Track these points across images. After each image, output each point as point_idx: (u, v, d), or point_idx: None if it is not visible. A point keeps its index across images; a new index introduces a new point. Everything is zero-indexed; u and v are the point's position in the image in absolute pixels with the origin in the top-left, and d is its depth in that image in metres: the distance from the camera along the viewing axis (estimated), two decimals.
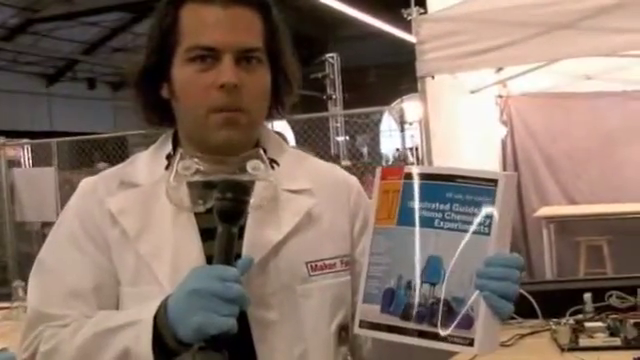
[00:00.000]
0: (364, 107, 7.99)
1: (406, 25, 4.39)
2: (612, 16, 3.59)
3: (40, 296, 1.22)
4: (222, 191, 1.09)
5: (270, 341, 1.17)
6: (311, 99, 12.39)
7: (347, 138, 12.75)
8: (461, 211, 1.07)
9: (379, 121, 14.96)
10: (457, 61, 4.07)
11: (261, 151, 1.23)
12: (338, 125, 12.43)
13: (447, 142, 4.79)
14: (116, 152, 7.35)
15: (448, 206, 1.08)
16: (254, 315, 1.16)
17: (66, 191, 6.36)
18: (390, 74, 14.93)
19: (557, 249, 6.16)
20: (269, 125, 1.39)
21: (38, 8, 12.99)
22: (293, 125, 9.24)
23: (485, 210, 1.05)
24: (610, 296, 2.87)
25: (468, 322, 1.04)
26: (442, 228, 1.08)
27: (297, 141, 8.66)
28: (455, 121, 5.18)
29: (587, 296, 2.85)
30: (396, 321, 1.08)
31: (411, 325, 1.07)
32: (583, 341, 2.61)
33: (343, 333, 1.25)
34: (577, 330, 2.69)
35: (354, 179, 1.37)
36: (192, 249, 1.18)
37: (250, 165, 1.20)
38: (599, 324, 2.70)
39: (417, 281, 1.07)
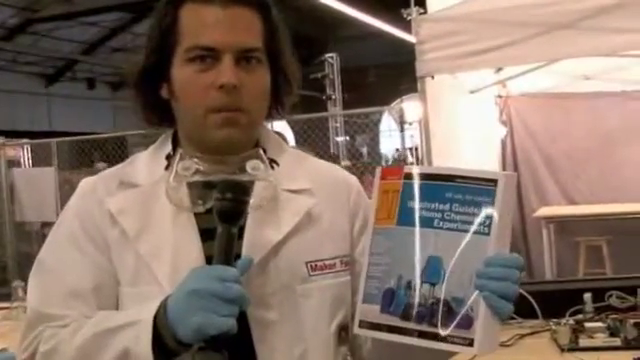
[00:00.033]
0: (364, 107, 8.00)
1: (406, 25, 4.39)
2: (612, 16, 3.59)
3: (40, 296, 1.22)
4: (222, 191, 1.09)
5: (270, 341, 1.17)
6: (311, 99, 12.39)
7: (347, 138, 12.75)
8: (461, 211, 1.07)
9: (379, 121, 14.98)
10: (457, 61, 4.07)
11: (261, 151, 1.23)
12: (338, 125, 12.42)
13: (447, 142, 4.79)
14: (116, 152, 7.35)
15: (448, 206, 1.08)
16: (254, 315, 1.16)
17: (66, 191, 6.36)
18: (390, 74, 14.93)
19: (557, 249, 6.16)
20: (269, 125, 1.39)
21: (37, 8, 12.99)
22: (293, 125, 9.25)
23: (485, 210, 1.05)
24: (610, 296, 2.87)
25: (468, 322, 1.04)
26: (442, 228, 1.07)
27: (297, 141, 8.66)
28: (455, 121, 5.18)
29: (587, 296, 2.85)
30: (396, 321, 1.08)
31: (411, 325, 1.07)
32: (583, 341, 2.60)
33: (343, 333, 1.25)
34: (577, 330, 2.69)
35: (354, 179, 1.37)
36: (192, 249, 1.18)
37: (250, 165, 1.20)
38: (599, 324, 2.70)
39: (417, 281, 1.07)
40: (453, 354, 1.08)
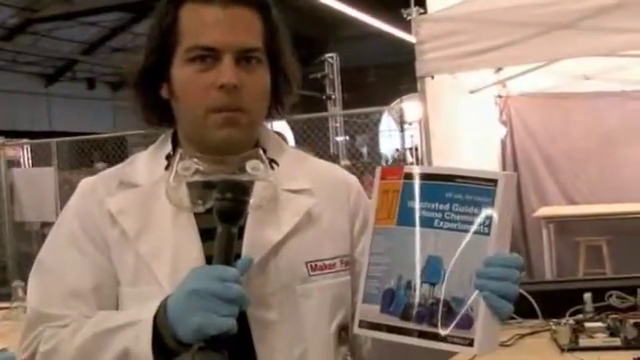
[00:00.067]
0: (364, 107, 8.00)
1: (406, 25, 4.39)
2: (611, 16, 3.59)
3: (40, 296, 1.22)
4: (222, 191, 1.09)
5: (270, 341, 1.17)
6: (310, 99, 12.39)
7: (347, 138, 12.75)
8: (461, 211, 1.07)
9: (378, 121, 14.97)
10: (457, 61, 4.07)
11: (261, 151, 1.23)
12: (337, 125, 12.43)
13: (447, 142, 4.79)
14: (115, 152, 7.35)
15: (448, 206, 1.08)
16: (254, 315, 1.16)
17: (66, 191, 6.36)
18: (390, 74, 14.93)
19: (557, 249, 6.16)
20: (268, 125, 1.39)
21: (37, 8, 12.98)
22: (292, 125, 9.25)
23: (485, 210, 1.05)
24: (610, 296, 2.87)
25: (468, 322, 1.04)
26: (442, 228, 1.07)
27: (296, 141, 8.66)
28: (455, 121, 5.18)
29: (587, 296, 2.85)
30: (396, 321, 1.08)
31: (411, 325, 1.07)
32: (583, 341, 2.60)
33: (343, 333, 1.25)
34: (577, 330, 2.69)
35: (354, 178, 1.37)
36: (192, 249, 1.18)
37: (250, 165, 1.20)
38: (599, 324, 2.70)
39: (417, 281, 1.07)
40: (453, 354, 1.08)
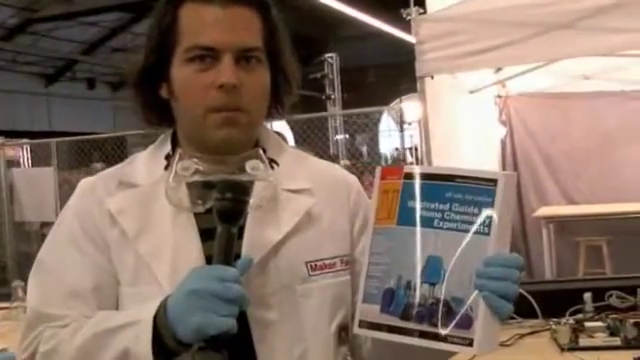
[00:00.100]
0: (363, 107, 8.00)
1: (405, 25, 4.39)
2: (610, 16, 3.59)
3: (40, 296, 1.22)
4: (221, 191, 1.09)
5: (270, 341, 1.17)
6: (310, 99, 12.38)
7: (347, 136, 12.74)
8: (461, 211, 1.07)
9: (378, 121, 14.96)
10: (456, 61, 4.07)
11: (260, 151, 1.23)
12: (337, 125, 12.42)
13: (446, 142, 4.79)
14: (115, 152, 7.35)
15: (448, 206, 1.08)
16: (254, 315, 1.16)
17: (65, 191, 6.36)
18: (389, 74, 14.92)
19: (556, 249, 6.16)
20: (268, 125, 1.39)
21: (37, 8, 12.98)
22: (292, 125, 9.25)
23: (485, 210, 1.05)
24: (610, 296, 2.87)
25: (467, 322, 1.04)
26: (442, 228, 1.07)
27: (296, 141, 8.67)
28: (454, 121, 5.18)
29: (587, 296, 2.85)
30: (396, 321, 1.08)
31: (411, 325, 1.07)
32: (583, 341, 2.61)
33: (343, 333, 1.25)
34: (577, 330, 2.69)
35: (354, 178, 1.37)
36: (192, 249, 1.18)
37: (249, 165, 1.20)
38: (599, 324, 2.70)
39: (417, 281, 1.07)
40: (453, 354, 1.08)
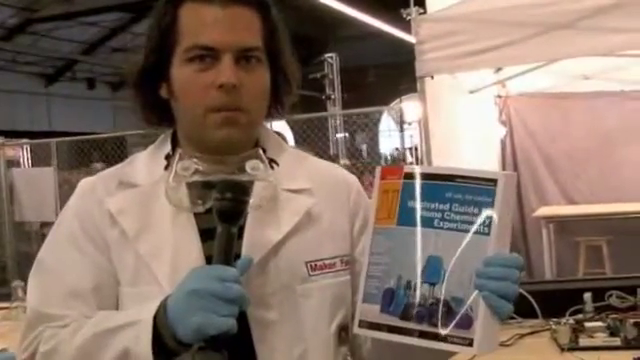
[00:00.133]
0: (363, 107, 8.00)
1: (405, 25, 4.39)
2: (610, 16, 3.59)
3: (40, 296, 1.22)
4: (221, 191, 1.09)
5: (270, 341, 1.17)
6: (310, 99, 12.38)
7: (346, 135, 12.74)
8: (461, 211, 1.07)
9: (378, 121, 14.97)
10: (456, 61, 4.07)
11: (260, 151, 1.23)
12: (337, 125, 12.41)
13: (446, 142, 4.79)
14: (115, 152, 7.35)
15: (448, 206, 1.08)
16: (254, 315, 1.16)
17: (65, 191, 6.36)
18: (389, 74, 14.93)
19: (556, 249, 6.16)
20: (268, 125, 1.39)
21: (37, 8, 12.98)
22: (292, 125, 9.25)
23: (485, 210, 1.05)
24: (610, 296, 2.87)
25: (467, 322, 1.04)
26: (442, 228, 1.07)
27: (296, 141, 8.67)
28: (454, 121, 5.18)
29: (587, 296, 2.85)
30: (395, 321, 1.08)
31: (410, 325, 1.07)
32: (583, 341, 2.61)
33: (343, 333, 1.25)
34: (577, 330, 2.69)
35: (354, 178, 1.37)
36: (192, 249, 1.18)
37: (249, 165, 1.20)
38: (599, 324, 2.70)
39: (417, 281, 1.07)
40: (453, 354, 1.08)
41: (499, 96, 6.45)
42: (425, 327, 1.06)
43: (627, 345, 2.56)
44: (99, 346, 1.11)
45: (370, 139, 13.71)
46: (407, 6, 4.25)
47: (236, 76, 1.17)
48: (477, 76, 5.43)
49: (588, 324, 2.71)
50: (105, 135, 7.69)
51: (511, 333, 2.74)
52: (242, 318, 1.07)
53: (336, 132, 12.22)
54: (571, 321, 2.78)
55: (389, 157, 13.92)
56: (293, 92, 1.30)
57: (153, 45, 1.22)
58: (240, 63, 1.18)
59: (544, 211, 6.27)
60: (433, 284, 1.06)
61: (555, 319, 2.82)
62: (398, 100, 10.72)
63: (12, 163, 7.53)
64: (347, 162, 9.07)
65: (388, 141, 15.35)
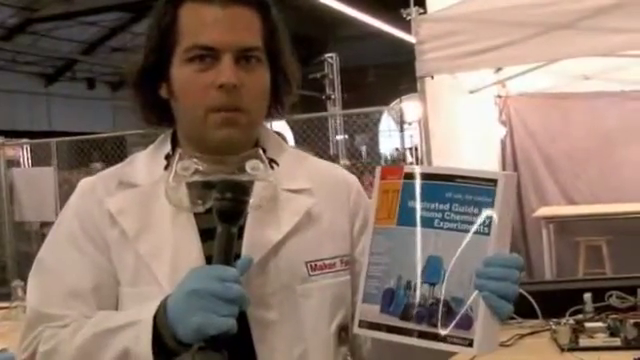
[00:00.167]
0: (363, 107, 8.00)
1: (405, 25, 4.39)
2: (610, 16, 3.59)
3: (39, 296, 1.22)
4: (221, 191, 1.09)
5: (270, 341, 1.17)
6: (310, 99, 12.38)
7: (346, 137, 12.74)
8: (461, 211, 1.07)
9: (378, 121, 14.96)
10: (456, 61, 4.07)
11: (260, 151, 1.23)
12: (337, 125, 12.42)
13: (446, 142, 4.79)
14: (115, 152, 7.36)
15: (448, 206, 1.08)
16: (254, 315, 1.16)
17: (65, 191, 6.37)
18: (389, 74, 14.93)
19: (556, 249, 6.16)
20: (268, 125, 1.39)
21: (37, 8, 12.98)
22: (292, 125, 9.24)
23: (485, 210, 1.05)
24: (610, 296, 2.87)
25: (467, 322, 1.04)
26: (442, 228, 1.07)
27: (296, 141, 8.67)
28: (454, 121, 5.18)
29: (587, 296, 2.85)
30: (395, 321, 1.08)
31: (410, 325, 1.07)
32: (583, 341, 2.60)
33: (343, 333, 1.25)
34: (577, 330, 2.69)
35: (354, 178, 1.37)
36: (192, 249, 1.18)
37: (249, 165, 1.20)
38: (599, 324, 2.70)
39: (417, 281, 1.07)
40: (453, 354, 1.08)
41: (499, 96, 6.45)
42: (425, 327, 1.06)
43: (627, 345, 2.56)
44: (99, 346, 1.11)
45: (370, 139, 13.71)
46: (407, 6, 4.25)
47: (236, 76, 1.17)
48: (477, 76, 5.43)
49: (588, 324, 2.71)
50: (105, 135, 7.70)
51: (511, 333, 2.73)
52: (242, 318, 1.07)
53: (336, 133, 12.22)
54: (571, 321, 2.78)
55: (389, 157, 13.92)
56: (293, 92, 1.30)
57: (153, 45, 1.22)
58: (240, 63, 1.18)
59: (544, 211, 6.27)
60: (433, 284, 1.06)
61: (555, 319, 2.82)
62: (398, 100, 10.71)
63: (12, 163, 7.54)
64: (347, 162, 9.07)
65: (388, 141, 15.34)
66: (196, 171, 1.19)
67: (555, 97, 6.44)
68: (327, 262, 1.23)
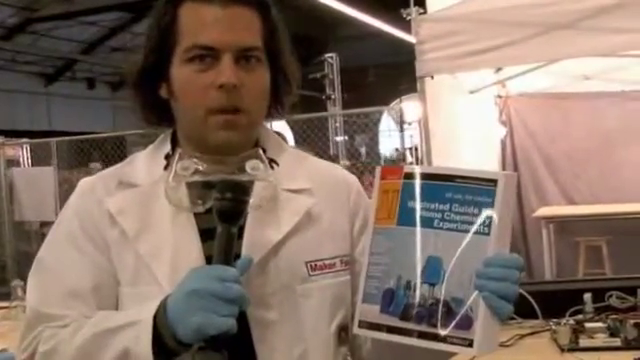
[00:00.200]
0: (363, 107, 8.00)
1: (405, 25, 4.39)
2: (611, 16, 3.59)
3: (39, 296, 1.22)
4: (221, 191, 1.09)
5: (270, 341, 1.17)
6: (310, 99, 12.38)
7: (346, 138, 12.75)
8: (461, 211, 1.07)
9: (378, 121, 14.96)
10: (456, 61, 4.07)
11: (260, 151, 1.23)
12: (337, 125, 12.42)
13: (446, 142, 4.79)
14: (115, 152, 7.37)
15: (448, 206, 1.08)
16: (254, 315, 1.16)
17: (65, 190, 6.37)
18: (389, 74, 14.92)
19: (556, 249, 6.16)
20: (268, 125, 1.39)
21: (37, 7, 12.98)
22: (292, 125, 9.25)
23: (485, 210, 1.05)
24: (610, 296, 2.87)
25: (467, 323, 1.03)
26: (442, 228, 1.07)
27: (296, 141, 8.67)
28: (454, 121, 5.19)
29: (587, 296, 2.85)
30: (395, 321, 1.08)
31: (410, 325, 1.07)
32: (583, 341, 2.60)
33: (343, 333, 1.25)
34: (577, 330, 2.68)
35: (354, 178, 1.37)
36: (191, 249, 1.18)
37: (249, 165, 1.20)
38: (599, 324, 2.70)
39: (417, 281, 1.07)
40: (453, 354, 1.08)
41: (499, 96, 6.45)
42: (425, 328, 1.06)
43: (627, 346, 2.55)
44: (99, 346, 1.11)
45: (370, 139, 13.71)
46: (407, 6, 4.25)
47: (236, 76, 1.17)
48: (477, 76, 5.43)
49: (588, 325, 2.71)
50: (105, 135, 7.71)
51: (511, 334, 2.73)
52: (242, 318, 1.07)
53: (336, 135, 12.22)
54: (571, 322, 2.78)
55: (389, 158, 13.92)
56: (293, 92, 1.30)
57: (153, 45, 1.22)
58: (240, 63, 1.18)
59: (544, 211, 6.27)
60: (433, 284, 1.06)
61: (555, 320, 2.81)
62: (398, 100, 10.72)
63: (12, 163, 7.55)
64: (347, 163, 9.07)
65: (388, 141, 15.34)
66: (196, 171, 1.19)
67: (555, 97, 6.44)
68: (327, 262, 1.23)
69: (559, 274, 6.01)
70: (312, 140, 7.94)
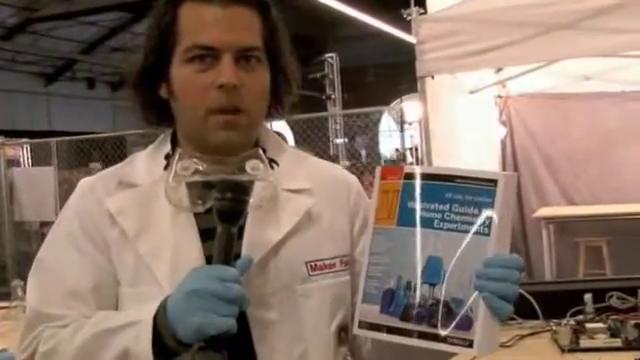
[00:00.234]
0: (363, 107, 8.01)
1: (405, 25, 4.39)
2: (611, 16, 3.59)
3: (39, 296, 1.22)
4: (221, 191, 1.09)
5: (270, 341, 1.17)
6: (310, 99, 12.38)
7: (346, 140, 12.75)
8: (461, 211, 1.06)
9: (378, 121, 14.97)
10: (457, 61, 4.07)
11: (260, 151, 1.23)
12: (337, 125, 12.42)
13: (446, 142, 4.79)
14: (114, 152, 7.37)
15: (448, 206, 1.08)
16: (254, 315, 1.15)
17: (65, 190, 6.38)
18: (389, 74, 14.93)
19: (556, 250, 6.16)
20: (268, 125, 1.39)
21: (37, 7, 12.98)
22: (292, 125, 9.25)
23: (485, 210, 1.05)
24: (610, 297, 2.87)
25: (467, 323, 1.03)
26: (442, 229, 1.07)
27: (296, 141, 8.67)
28: (454, 121, 5.19)
29: (587, 297, 2.85)
30: (395, 322, 1.08)
31: (410, 326, 1.07)
32: (584, 342, 2.60)
33: (343, 333, 1.25)
34: (578, 331, 2.68)
35: (354, 178, 1.37)
36: (191, 249, 1.18)
37: (249, 165, 1.20)
38: (600, 325, 2.70)
39: (417, 282, 1.07)
40: (453, 355, 1.08)
41: (499, 96, 6.45)
42: (425, 328, 1.06)
43: (628, 346, 2.55)
44: (99, 346, 1.11)
45: (370, 139, 13.72)
46: (407, 6, 4.25)
47: (236, 76, 1.16)
48: (477, 76, 5.43)
49: (589, 325, 2.70)
50: (105, 135, 7.71)
51: (511, 334, 2.73)
52: (242, 318, 1.07)
53: (336, 135, 12.22)
54: (572, 322, 2.78)
55: (389, 158, 13.92)
56: (293, 92, 1.30)
57: (153, 45, 1.22)
58: (240, 63, 1.18)
59: (544, 212, 6.27)
60: (433, 285, 1.06)
61: (556, 320, 2.81)
62: (398, 100, 10.73)
63: (12, 162, 7.55)
64: (347, 163, 9.07)
65: (388, 141, 15.35)
66: (196, 171, 1.19)
67: (555, 97, 6.43)
68: (327, 262, 1.23)
69: (559, 274, 6.01)
70: (312, 140, 7.94)
